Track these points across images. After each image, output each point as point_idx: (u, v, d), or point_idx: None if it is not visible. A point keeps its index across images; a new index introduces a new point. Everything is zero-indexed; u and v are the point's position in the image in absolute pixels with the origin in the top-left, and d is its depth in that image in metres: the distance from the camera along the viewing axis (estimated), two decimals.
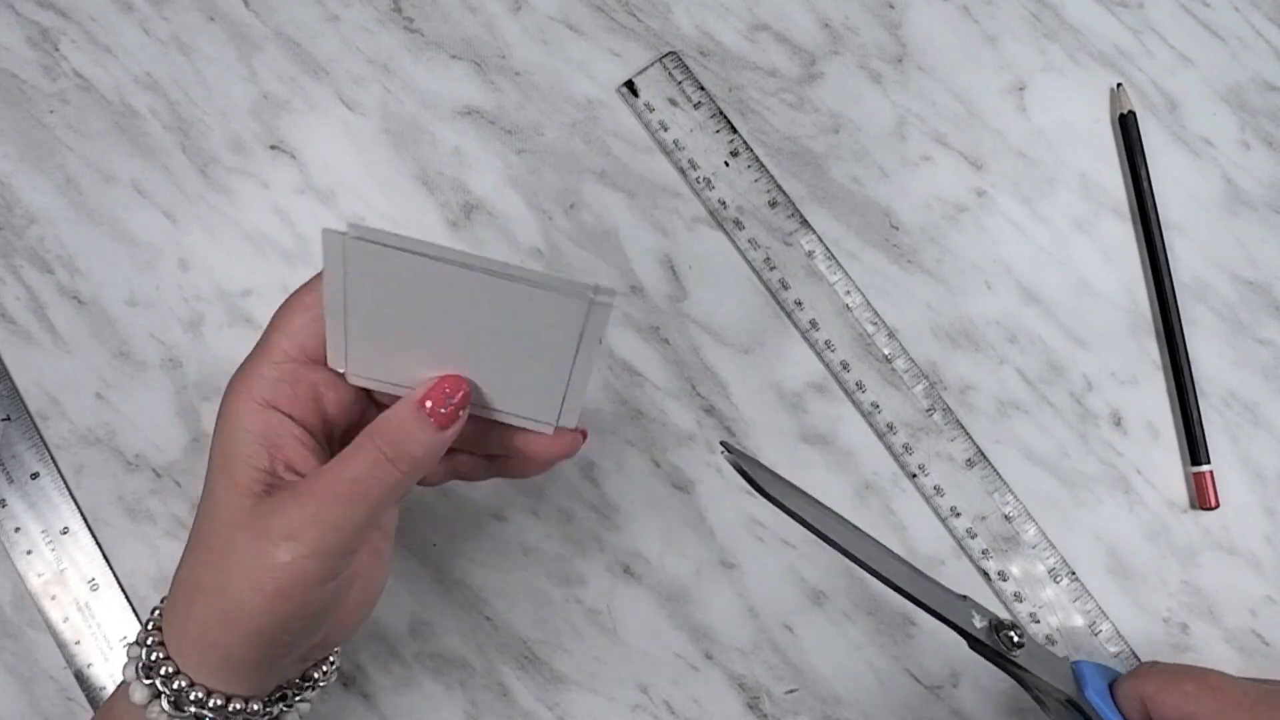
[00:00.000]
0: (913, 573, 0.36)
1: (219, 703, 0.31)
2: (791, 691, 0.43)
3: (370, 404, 0.34)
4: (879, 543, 0.36)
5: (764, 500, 0.34)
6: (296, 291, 0.33)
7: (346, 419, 0.34)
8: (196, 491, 0.43)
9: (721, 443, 0.36)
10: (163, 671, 0.31)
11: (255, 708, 0.32)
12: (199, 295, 0.44)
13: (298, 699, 0.34)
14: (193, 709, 0.31)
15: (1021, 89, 0.45)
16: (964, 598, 0.37)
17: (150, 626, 0.32)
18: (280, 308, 0.33)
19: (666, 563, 0.43)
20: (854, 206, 0.45)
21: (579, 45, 0.45)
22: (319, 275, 0.32)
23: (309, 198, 0.44)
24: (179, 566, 0.32)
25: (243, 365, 0.32)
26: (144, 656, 0.31)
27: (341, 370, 0.32)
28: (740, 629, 0.43)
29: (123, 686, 0.33)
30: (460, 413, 0.31)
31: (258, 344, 0.32)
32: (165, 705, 0.31)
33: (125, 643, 0.33)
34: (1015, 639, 0.36)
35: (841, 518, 0.35)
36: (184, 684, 0.31)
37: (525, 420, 0.34)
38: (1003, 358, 0.44)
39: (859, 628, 0.43)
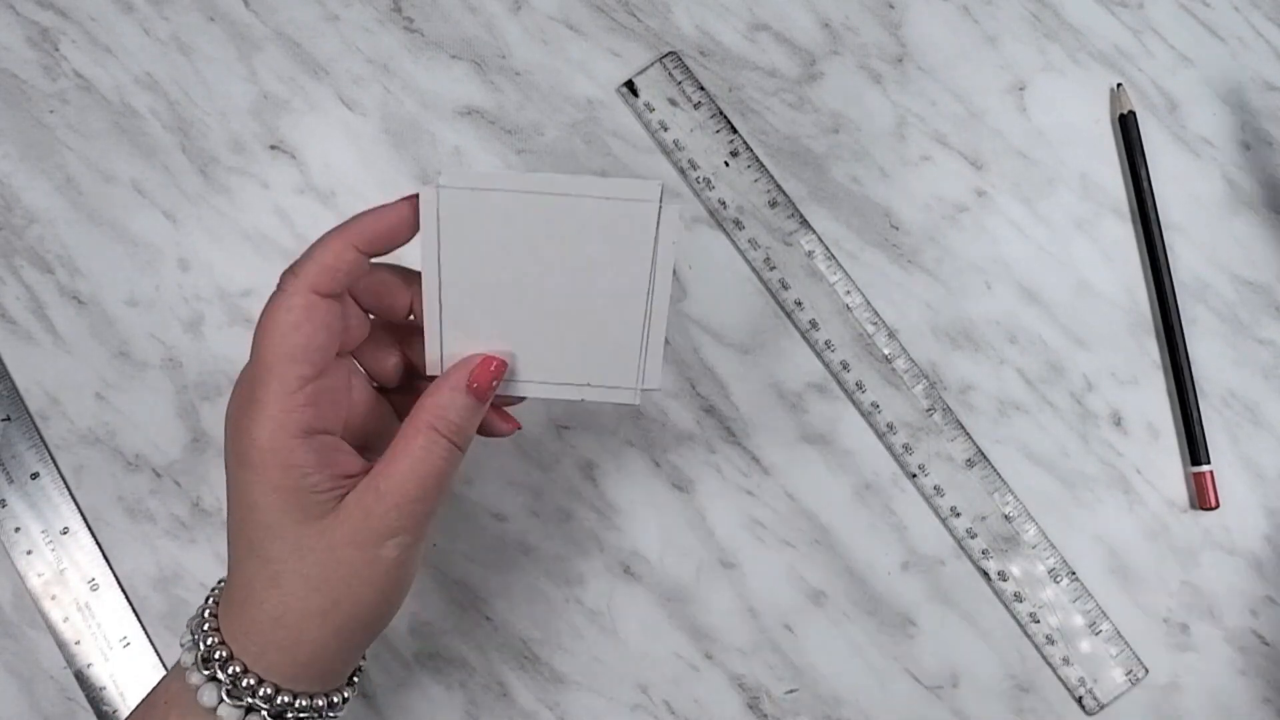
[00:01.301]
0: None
1: (320, 703, 0.32)
2: (791, 692, 0.43)
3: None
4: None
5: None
6: (277, 309, 0.31)
7: (370, 397, 0.35)
8: (197, 491, 0.43)
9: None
10: (261, 693, 0.31)
11: (336, 699, 0.33)
12: (199, 295, 0.44)
13: (355, 681, 0.35)
14: (291, 715, 0.31)
15: (1021, 89, 0.45)
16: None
17: (220, 654, 0.32)
18: (271, 329, 0.31)
19: (666, 563, 0.43)
20: (854, 206, 0.45)
21: (579, 45, 0.45)
22: (287, 287, 0.31)
23: (309, 198, 0.44)
24: (256, 605, 0.31)
25: (251, 404, 0.31)
26: (227, 681, 0.31)
27: (437, 374, 0.34)
28: (740, 629, 0.43)
29: (177, 704, 0.32)
30: (494, 382, 0.33)
31: (260, 374, 0.31)
32: (224, 696, 0.31)
33: (194, 671, 0.32)
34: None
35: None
36: (286, 698, 0.31)
37: (607, 392, 0.36)
38: (1003, 358, 0.44)
39: (859, 628, 0.43)
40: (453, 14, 0.45)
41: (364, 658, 0.35)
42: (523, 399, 0.35)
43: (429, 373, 0.34)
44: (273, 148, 0.45)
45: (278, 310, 0.31)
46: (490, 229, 0.33)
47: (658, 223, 0.34)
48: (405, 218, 0.32)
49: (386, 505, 0.31)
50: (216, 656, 0.31)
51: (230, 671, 0.31)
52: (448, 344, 0.34)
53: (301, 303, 0.31)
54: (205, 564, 0.43)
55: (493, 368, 0.33)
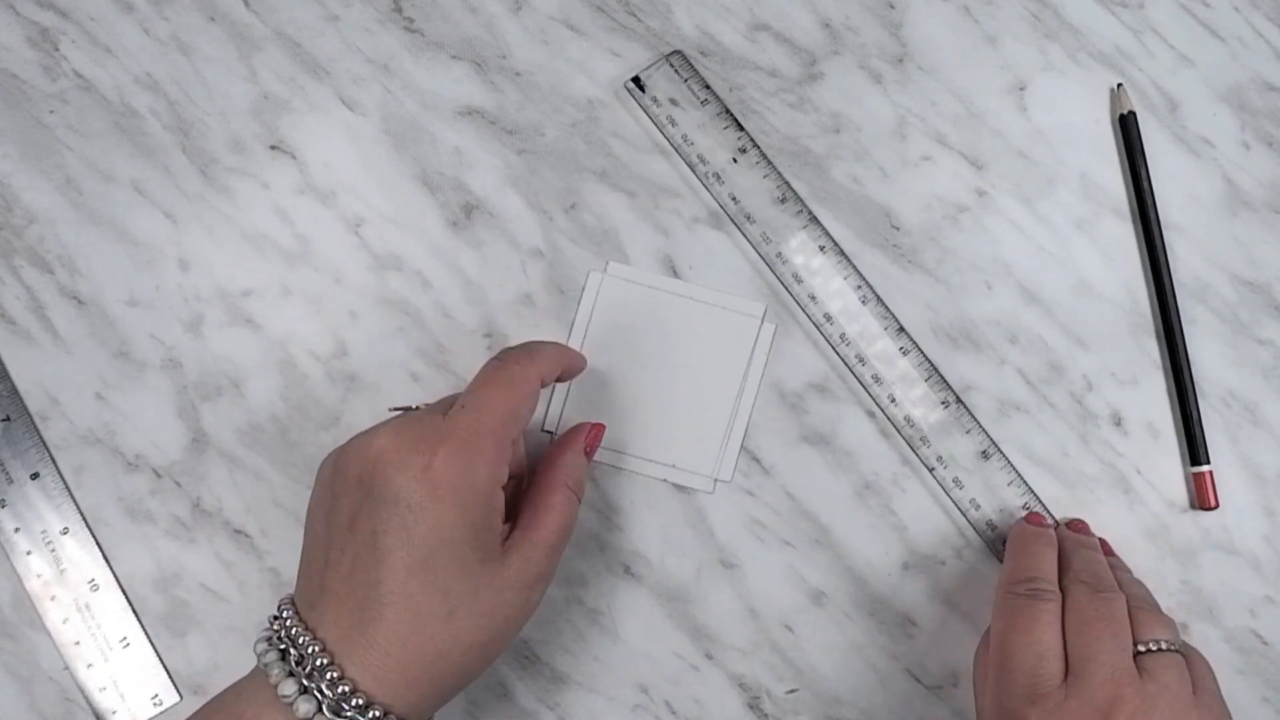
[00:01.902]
0: None
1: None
2: (792, 691, 0.43)
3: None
4: None
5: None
6: (516, 379, 0.37)
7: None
8: (197, 491, 0.43)
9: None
10: (371, 717, 0.32)
11: None
12: (199, 295, 0.44)
13: None
14: None
15: (1022, 89, 0.45)
16: None
17: (330, 675, 0.32)
18: (501, 391, 0.36)
19: (667, 563, 0.43)
20: (854, 206, 0.45)
21: (579, 45, 0.45)
22: (518, 360, 0.37)
23: (309, 198, 0.44)
24: (427, 639, 0.33)
25: (475, 449, 0.35)
26: (330, 697, 0.32)
27: (554, 431, 0.43)
28: (740, 629, 0.43)
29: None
30: (598, 444, 0.42)
31: (483, 424, 0.35)
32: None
33: (294, 696, 0.33)
34: None
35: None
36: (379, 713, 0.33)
37: (686, 476, 0.43)
38: (1003, 358, 0.44)
39: (859, 627, 0.43)
40: (453, 14, 0.45)
41: None
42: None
43: (545, 429, 0.43)
44: (273, 148, 0.45)
45: (520, 383, 0.37)
46: (627, 316, 0.43)
47: (757, 334, 0.43)
48: (582, 366, 0.42)
49: (540, 554, 0.36)
50: (354, 703, 0.32)
51: (355, 704, 0.32)
52: (569, 405, 0.43)
53: (535, 385, 0.37)
54: (205, 564, 0.43)
55: (599, 434, 0.42)
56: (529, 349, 0.39)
